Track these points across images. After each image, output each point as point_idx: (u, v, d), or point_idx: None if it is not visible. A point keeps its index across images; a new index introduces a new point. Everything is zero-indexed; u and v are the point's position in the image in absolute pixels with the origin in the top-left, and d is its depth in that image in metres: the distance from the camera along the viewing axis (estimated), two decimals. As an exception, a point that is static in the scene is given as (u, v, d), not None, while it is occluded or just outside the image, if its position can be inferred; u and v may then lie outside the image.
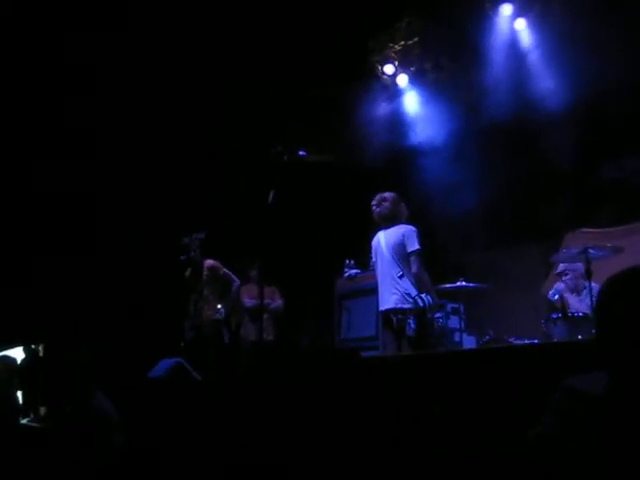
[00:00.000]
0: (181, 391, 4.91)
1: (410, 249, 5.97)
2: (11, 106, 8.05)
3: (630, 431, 1.83)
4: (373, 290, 7.57)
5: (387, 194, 6.26)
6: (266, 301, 7.72)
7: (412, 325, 5.60)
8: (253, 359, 6.71)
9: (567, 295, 6.91)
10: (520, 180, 8.65)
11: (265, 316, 7.82)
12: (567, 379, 2.13)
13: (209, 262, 7.33)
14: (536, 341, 6.31)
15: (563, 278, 6.90)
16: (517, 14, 8.12)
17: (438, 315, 8.07)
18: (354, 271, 8.03)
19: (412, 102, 9.43)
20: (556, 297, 6.82)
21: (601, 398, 1.95)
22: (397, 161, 9.58)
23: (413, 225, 6.12)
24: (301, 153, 4.97)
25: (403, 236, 6.05)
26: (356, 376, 3.76)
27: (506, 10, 8.08)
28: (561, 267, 6.93)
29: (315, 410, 3.74)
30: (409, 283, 5.91)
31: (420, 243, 5.98)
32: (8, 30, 7.52)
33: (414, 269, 5.92)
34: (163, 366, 5.07)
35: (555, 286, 7.05)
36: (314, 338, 9.61)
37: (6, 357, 6.27)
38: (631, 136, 8.20)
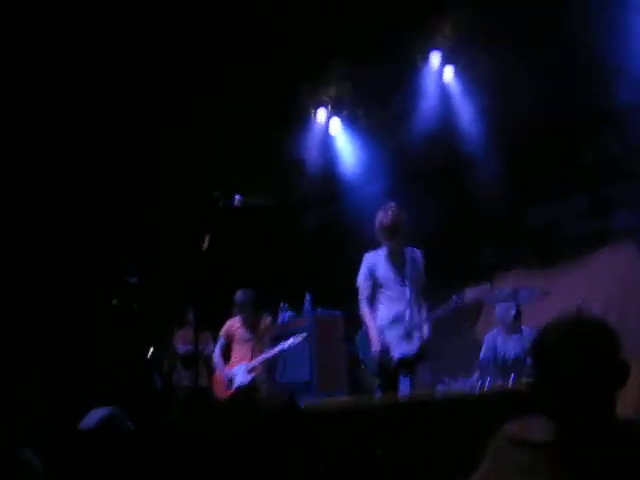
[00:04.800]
0: (113, 442, 4.74)
1: None
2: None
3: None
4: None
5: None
6: (200, 347, 7.63)
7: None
8: (185, 406, 6.57)
9: (501, 337, 7.04)
10: (451, 223, 8.82)
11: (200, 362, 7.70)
12: (505, 425, 2.14)
13: None
14: (471, 381, 6.38)
15: (499, 319, 6.98)
16: (445, 62, 8.34)
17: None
18: (288, 314, 8.02)
19: (344, 146, 9.56)
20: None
21: (541, 445, 1.97)
22: (329, 205, 9.67)
23: (366, 251, 5.86)
24: (237, 198, 4.97)
25: None
26: (292, 426, 3.72)
27: (435, 59, 8.29)
28: (501, 307, 7.00)
29: (249, 462, 3.67)
30: None
31: (360, 275, 5.74)
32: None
33: None
34: (94, 416, 4.89)
35: (487, 336, 7.16)
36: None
37: None
38: (556, 182, 8.51)
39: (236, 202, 5.02)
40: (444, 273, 8.50)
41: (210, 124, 8.55)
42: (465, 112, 8.51)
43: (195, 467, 4.08)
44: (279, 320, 8.06)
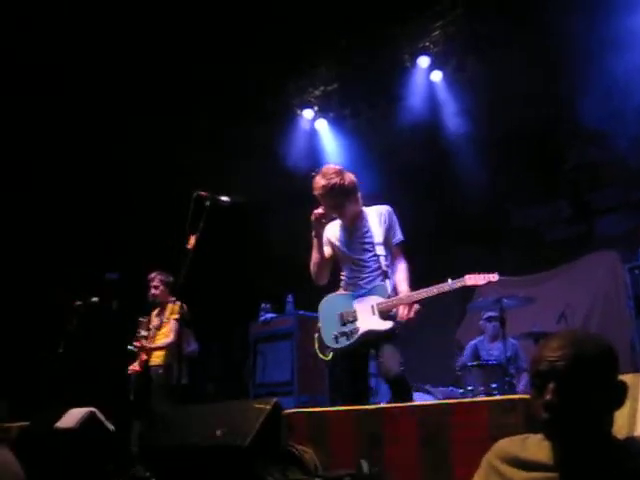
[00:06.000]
0: (93, 442, 4.69)
1: None
2: None
3: None
4: (289, 334, 7.57)
5: None
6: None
7: None
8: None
9: (485, 344, 7.07)
10: (433, 224, 8.82)
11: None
12: (499, 442, 2.12)
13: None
14: (451, 388, 6.40)
15: (492, 324, 6.96)
16: (434, 66, 8.34)
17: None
18: (269, 315, 7.98)
19: (330, 146, 9.52)
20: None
21: (538, 466, 1.94)
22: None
23: None
24: (224, 197, 4.91)
25: None
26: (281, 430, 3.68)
27: (423, 62, 8.29)
28: (489, 313, 7.00)
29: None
30: None
31: None
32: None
33: None
34: (74, 415, 4.83)
35: (470, 344, 7.19)
36: (219, 383, 9.46)
37: None
38: (539, 187, 8.54)
39: (223, 201, 4.95)
40: (422, 275, 8.52)
41: (197, 124, 8.50)
42: (452, 113, 8.51)
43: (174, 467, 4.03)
44: (260, 319, 8.03)
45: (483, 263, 8.43)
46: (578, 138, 8.31)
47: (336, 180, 4.61)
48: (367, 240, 4.73)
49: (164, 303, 7.07)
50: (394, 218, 4.84)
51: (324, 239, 4.85)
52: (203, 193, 4.86)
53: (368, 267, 4.68)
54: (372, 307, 4.57)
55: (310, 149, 9.42)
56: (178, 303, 6.78)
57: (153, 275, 7.05)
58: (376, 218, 4.77)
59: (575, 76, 7.28)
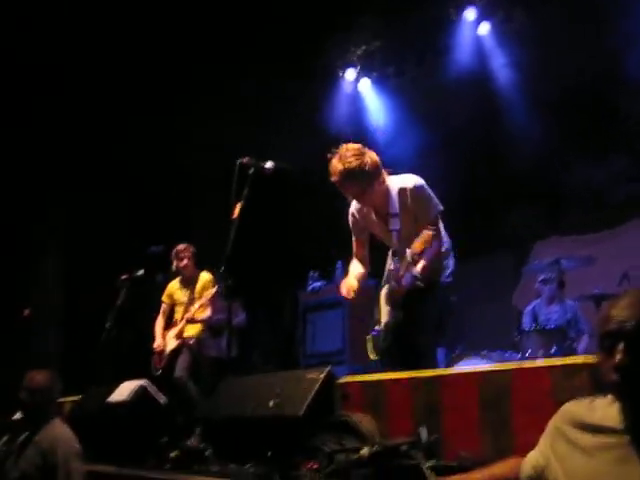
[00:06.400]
0: (145, 415, 4.68)
1: None
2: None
3: None
4: (338, 303, 7.43)
5: None
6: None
7: None
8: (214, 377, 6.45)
9: (543, 308, 6.86)
10: (488, 187, 8.59)
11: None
12: (566, 405, 2.08)
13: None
14: (509, 353, 6.23)
15: (548, 286, 6.74)
16: (481, 18, 8.06)
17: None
18: (318, 283, 7.88)
19: (374, 107, 9.32)
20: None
21: (607, 430, 1.89)
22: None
23: None
24: (267, 165, 4.76)
25: None
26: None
27: (470, 15, 8.03)
28: (544, 275, 6.77)
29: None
30: None
31: None
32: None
33: None
34: (125, 389, 4.82)
35: (527, 309, 6.98)
36: (267, 354, 9.42)
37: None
38: (597, 143, 8.22)
39: (266, 168, 4.80)
40: (477, 239, 8.31)
41: (237, 88, 8.39)
42: (501, 65, 8.22)
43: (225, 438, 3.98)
44: (309, 288, 7.95)
45: (538, 224, 8.25)
46: (635, 90, 7.95)
47: (355, 163, 4.01)
48: (391, 221, 4.25)
49: (192, 276, 6.97)
50: (420, 195, 4.18)
51: (361, 225, 4.50)
52: (246, 160, 4.72)
53: (396, 253, 4.23)
54: (385, 297, 4.33)
55: (353, 112, 9.23)
56: (209, 276, 6.79)
57: (183, 247, 6.94)
58: (396, 192, 4.22)
59: (629, 25, 6.95)
